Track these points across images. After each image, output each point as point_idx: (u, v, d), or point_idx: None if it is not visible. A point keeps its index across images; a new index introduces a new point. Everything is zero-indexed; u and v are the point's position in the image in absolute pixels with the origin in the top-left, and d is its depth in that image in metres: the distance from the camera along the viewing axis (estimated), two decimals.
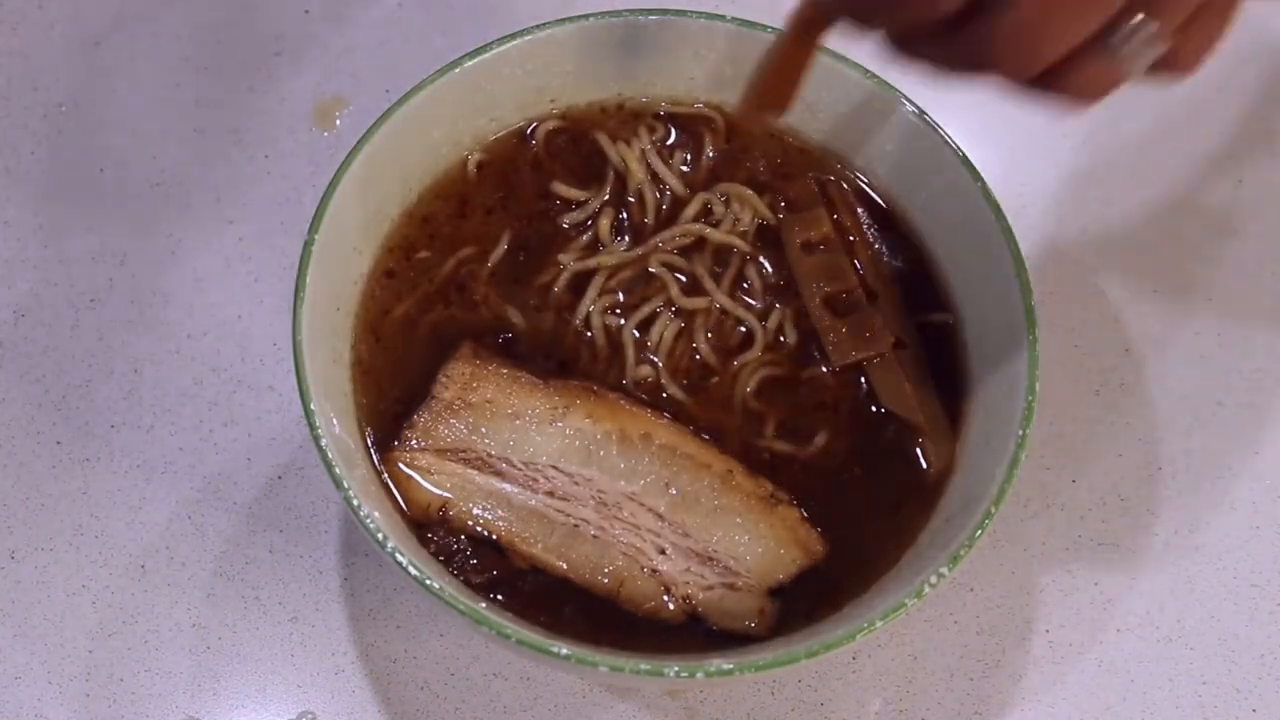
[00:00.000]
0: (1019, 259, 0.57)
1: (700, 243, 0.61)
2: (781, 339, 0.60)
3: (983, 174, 0.58)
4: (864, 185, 0.63)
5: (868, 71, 0.61)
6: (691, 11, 0.62)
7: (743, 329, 0.60)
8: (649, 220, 0.62)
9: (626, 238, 0.61)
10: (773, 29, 0.62)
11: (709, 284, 0.60)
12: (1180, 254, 0.74)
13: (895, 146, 0.62)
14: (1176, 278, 0.73)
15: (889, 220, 0.62)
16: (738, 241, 0.61)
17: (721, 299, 0.59)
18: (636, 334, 0.59)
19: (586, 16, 0.61)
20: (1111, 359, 0.71)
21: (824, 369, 0.59)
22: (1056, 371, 0.69)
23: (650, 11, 0.62)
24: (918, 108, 0.60)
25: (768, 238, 0.62)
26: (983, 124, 0.76)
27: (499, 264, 0.60)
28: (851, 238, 0.61)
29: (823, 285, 0.60)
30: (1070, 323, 0.71)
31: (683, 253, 0.61)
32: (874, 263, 0.61)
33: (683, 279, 0.60)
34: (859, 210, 0.62)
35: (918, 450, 0.57)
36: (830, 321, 0.59)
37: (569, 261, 0.60)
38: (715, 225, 0.62)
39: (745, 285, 0.60)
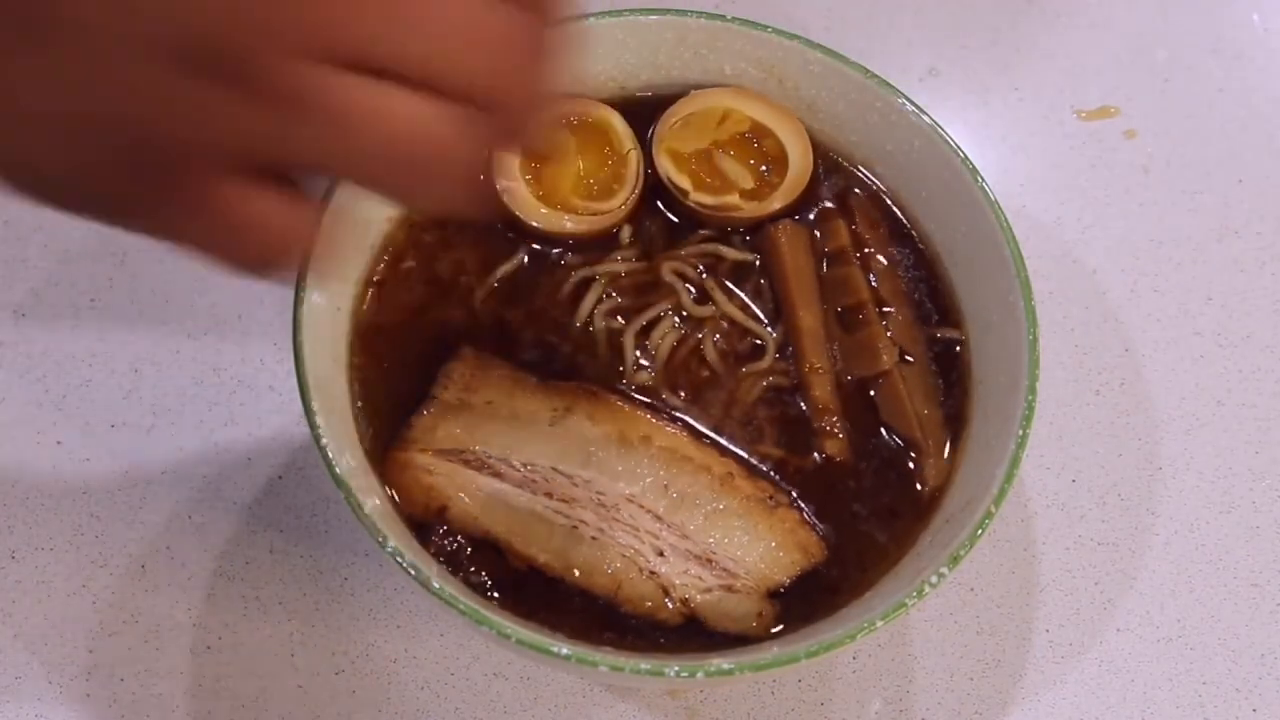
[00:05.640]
0: (1019, 259, 0.57)
1: (717, 261, 0.61)
2: (790, 348, 0.59)
3: (983, 174, 0.58)
4: (872, 187, 0.63)
5: (868, 71, 0.61)
6: (692, 11, 0.62)
7: (752, 339, 0.59)
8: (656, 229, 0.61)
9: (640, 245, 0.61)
10: (773, 29, 0.62)
11: (719, 295, 0.59)
12: (1180, 254, 0.74)
13: (895, 146, 0.61)
14: (1176, 278, 0.73)
15: (890, 222, 0.62)
16: (751, 256, 0.61)
17: (730, 310, 0.59)
18: (638, 337, 0.59)
19: (585, 17, 0.60)
20: (1111, 359, 0.71)
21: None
22: (1056, 371, 0.69)
23: (651, 11, 0.62)
24: (918, 107, 0.60)
25: None
26: (983, 124, 0.76)
27: (496, 266, 0.60)
28: (867, 249, 0.61)
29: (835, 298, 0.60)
30: (1070, 323, 0.71)
31: (697, 267, 0.60)
32: (887, 275, 0.61)
33: (693, 290, 0.60)
34: (876, 220, 0.62)
35: (916, 466, 0.57)
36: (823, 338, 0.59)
37: (574, 263, 0.60)
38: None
39: (759, 299, 0.60)
